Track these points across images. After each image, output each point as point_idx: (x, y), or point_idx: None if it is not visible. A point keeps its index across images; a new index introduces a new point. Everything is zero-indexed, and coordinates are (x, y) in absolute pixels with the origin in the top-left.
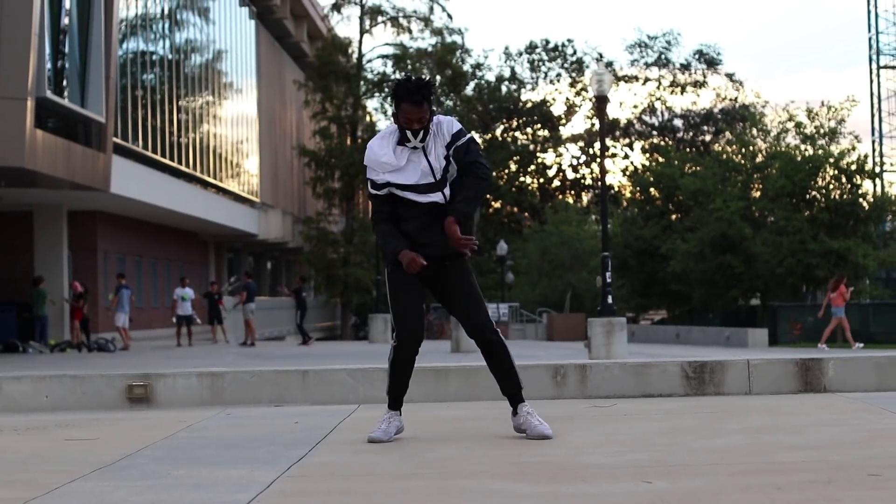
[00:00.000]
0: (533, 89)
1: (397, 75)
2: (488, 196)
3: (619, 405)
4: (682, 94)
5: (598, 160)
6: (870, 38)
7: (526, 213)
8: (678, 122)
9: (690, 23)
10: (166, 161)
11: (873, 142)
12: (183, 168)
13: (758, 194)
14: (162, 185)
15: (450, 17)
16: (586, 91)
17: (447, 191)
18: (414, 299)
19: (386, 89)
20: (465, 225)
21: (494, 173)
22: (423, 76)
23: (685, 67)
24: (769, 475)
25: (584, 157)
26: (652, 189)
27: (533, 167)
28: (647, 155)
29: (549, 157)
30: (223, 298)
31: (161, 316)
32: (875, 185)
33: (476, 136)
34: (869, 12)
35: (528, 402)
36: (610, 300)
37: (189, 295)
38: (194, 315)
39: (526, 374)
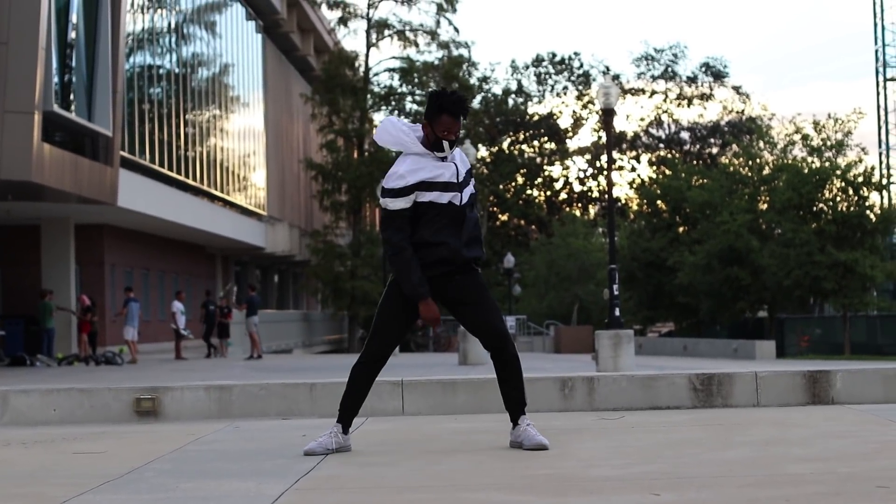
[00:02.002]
0: (540, 102)
1: (404, 88)
2: (495, 209)
3: (627, 417)
4: (688, 106)
5: (605, 173)
6: (876, 51)
7: (533, 226)
8: (685, 135)
9: (697, 35)
10: (173, 174)
11: (880, 154)
12: (190, 181)
13: (765, 206)
14: (169, 198)
15: (456, 30)
16: (593, 104)
17: (465, 194)
18: (403, 325)
19: (393, 102)
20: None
21: (501, 186)
22: (461, 93)
23: (692, 80)
24: (777, 487)
25: (590, 170)
26: (659, 201)
27: (540, 180)
28: (654, 167)
29: (555, 170)
30: (232, 312)
31: (169, 329)
32: (882, 197)
33: (483, 148)
34: (875, 25)
35: (528, 416)
36: (617, 312)
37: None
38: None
39: (534, 387)
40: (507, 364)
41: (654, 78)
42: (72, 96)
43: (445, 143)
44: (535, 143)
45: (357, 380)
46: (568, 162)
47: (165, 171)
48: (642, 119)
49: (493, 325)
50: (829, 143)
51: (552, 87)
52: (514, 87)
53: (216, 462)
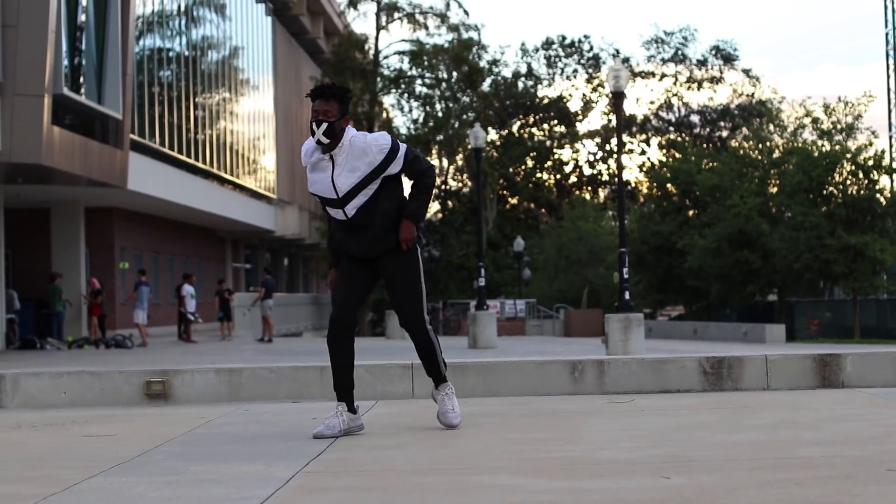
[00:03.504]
0: (549, 85)
1: (414, 72)
2: (504, 192)
3: (637, 401)
4: (698, 89)
5: (615, 156)
6: (886, 34)
7: (543, 210)
8: (695, 118)
9: (706, 18)
10: (183, 158)
11: (890, 137)
12: (200, 165)
13: (775, 190)
14: (179, 181)
15: (466, 13)
16: (603, 87)
17: (351, 209)
18: (350, 286)
19: (402, 86)
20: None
21: (511, 169)
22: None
23: (702, 63)
24: (787, 470)
25: (600, 153)
26: (669, 185)
27: (549, 163)
28: (664, 151)
29: (565, 154)
30: (233, 294)
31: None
32: (892, 181)
33: (493, 131)
34: (886, 7)
35: (450, 385)
36: (627, 296)
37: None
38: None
39: (544, 370)
40: (421, 349)
41: (663, 61)
42: (82, 79)
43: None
44: (545, 126)
45: (330, 350)
46: (578, 145)
47: (175, 154)
48: (652, 102)
49: (404, 312)
50: (839, 127)
51: (562, 70)
52: (523, 70)
53: (226, 445)
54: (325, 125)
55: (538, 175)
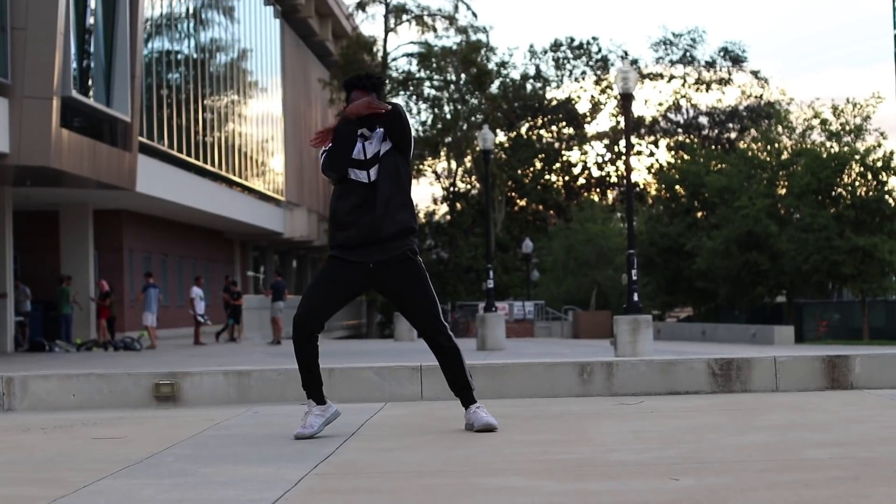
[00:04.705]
0: (558, 87)
1: (422, 74)
2: (513, 194)
3: (646, 402)
4: (707, 91)
5: (624, 158)
6: (895, 35)
7: (551, 211)
8: (703, 120)
9: (715, 19)
10: (191, 160)
11: None
12: (208, 167)
13: (783, 191)
14: (187, 183)
15: (475, 15)
16: (611, 89)
17: (373, 172)
18: (329, 293)
19: (411, 88)
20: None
21: (519, 171)
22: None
23: (710, 65)
24: (796, 472)
25: (609, 155)
26: (677, 186)
27: (558, 165)
28: (673, 152)
29: (574, 155)
30: (241, 298)
31: (187, 314)
32: None
33: (501, 133)
34: (894, 8)
35: (480, 403)
36: (636, 298)
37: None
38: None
39: (552, 372)
40: (446, 357)
41: (672, 62)
42: (90, 82)
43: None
44: (553, 128)
45: (295, 351)
46: (586, 147)
47: (184, 156)
48: (660, 104)
49: (421, 321)
50: (847, 128)
51: (570, 71)
52: (532, 72)
53: (235, 447)
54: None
55: (546, 177)
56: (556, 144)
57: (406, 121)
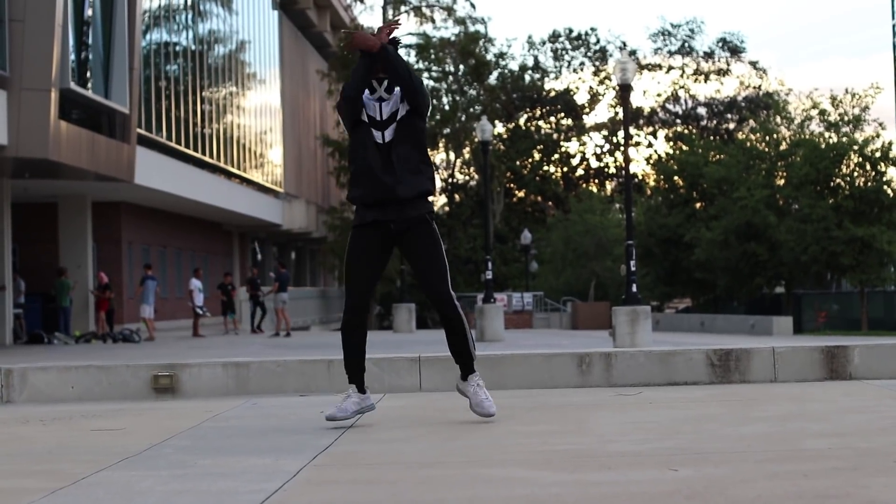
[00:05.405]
0: (556, 78)
1: (420, 65)
2: (511, 185)
3: (645, 393)
4: (705, 82)
5: (622, 149)
6: (893, 25)
7: (550, 202)
8: (702, 111)
9: (713, 10)
10: (190, 152)
11: None
12: (207, 158)
13: (782, 182)
14: (186, 175)
15: (473, 6)
16: (610, 80)
17: (388, 133)
18: (363, 269)
19: None
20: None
21: (518, 162)
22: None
23: (709, 55)
24: (795, 462)
25: (607, 146)
26: (676, 177)
27: (556, 156)
28: (671, 143)
29: (572, 146)
30: (237, 290)
31: (185, 306)
32: None
33: (499, 125)
34: None
35: (479, 375)
36: (634, 288)
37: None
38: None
39: (551, 363)
40: (451, 329)
41: (670, 53)
42: (88, 73)
43: (374, 81)
44: (552, 119)
45: (344, 336)
46: (585, 138)
47: (182, 148)
48: (659, 95)
49: (434, 287)
50: (846, 118)
51: (569, 62)
52: (530, 63)
53: (234, 438)
54: (386, 81)
55: (545, 168)
56: (555, 135)
57: (421, 82)
